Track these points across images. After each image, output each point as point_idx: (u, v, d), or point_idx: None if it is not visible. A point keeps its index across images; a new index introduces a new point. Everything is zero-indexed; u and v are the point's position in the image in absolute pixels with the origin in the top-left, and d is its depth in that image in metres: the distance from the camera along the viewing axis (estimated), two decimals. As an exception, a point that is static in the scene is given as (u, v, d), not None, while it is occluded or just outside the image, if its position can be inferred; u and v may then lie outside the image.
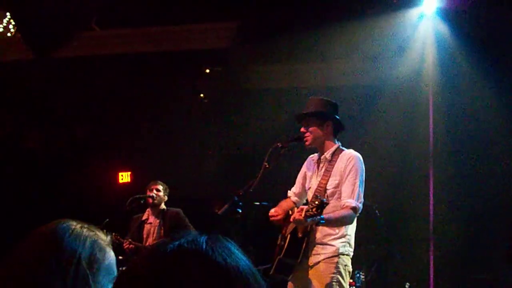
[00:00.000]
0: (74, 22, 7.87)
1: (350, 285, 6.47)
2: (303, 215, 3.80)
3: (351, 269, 4.30)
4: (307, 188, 4.49)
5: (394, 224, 7.58)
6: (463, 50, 7.53)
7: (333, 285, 4.11)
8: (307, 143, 4.36)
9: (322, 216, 3.88)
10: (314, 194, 4.04)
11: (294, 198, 4.63)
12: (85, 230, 1.69)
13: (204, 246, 1.02)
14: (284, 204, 4.57)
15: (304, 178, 4.57)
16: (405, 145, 7.97)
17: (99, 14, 8.28)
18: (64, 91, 8.82)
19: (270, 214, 4.41)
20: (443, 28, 7.65)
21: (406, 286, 7.01)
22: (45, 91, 8.87)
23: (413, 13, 7.65)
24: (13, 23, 8.43)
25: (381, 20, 7.53)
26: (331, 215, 4.06)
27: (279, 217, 4.38)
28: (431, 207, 7.72)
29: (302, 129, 4.37)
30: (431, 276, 7.52)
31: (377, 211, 6.92)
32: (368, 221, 6.96)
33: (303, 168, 4.62)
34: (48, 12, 7.51)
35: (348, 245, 4.25)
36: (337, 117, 4.41)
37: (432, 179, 7.80)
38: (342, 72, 8.58)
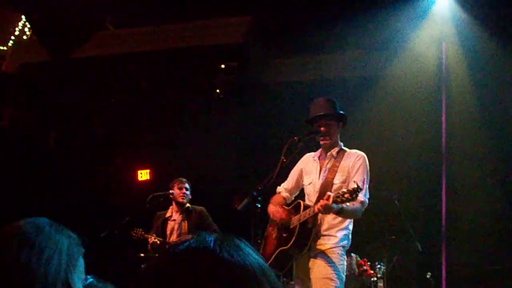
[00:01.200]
0: (89, 23, 7.92)
1: (372, 276, 6.49)
2: (331, 200, 3.91)
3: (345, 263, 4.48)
4: (306, 184, 4.63)
5: (414, 215, 7.56)
6: (480, 34, 7.44)
7: (333, 274, 4.25)
8: (326, 141, 4.50)
9: (341, 206, 4.00)
10: (354, 182, 4.06)
11: (284, 194, 4.79)
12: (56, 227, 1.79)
13: (211, 244, 1.05)
14: (276, 199, 4.72)
15: (300, 174, 4.72)
16: (418, 134, 7.94)
17: (113, 14, 8.32)
18: (82, 90, 8.90)
19: (274, 211, 4.54)
20: (458, 12, 7.56)
21: (428, 276, 6.99)
22: (63, 91, 8.96)
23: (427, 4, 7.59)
24: (28, 25, 8.52)
25: (394, 9, 7.48)
26: (348, 208, 4.13)
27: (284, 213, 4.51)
28: (443, 197, 7.67)
29: (323, 129, 4.48)
30: (443, 267, 7.49)
31: (396, 201, 6.89)
32: (388, 211, 6.95)
33: (299, 165, 4.75)
34: (63, 14, 7.57)
35: (347, 238, 4.44)
36: (346, 116, 4.61)
37: (445, 169, 7.75)
38: (358, 63, 8.54)
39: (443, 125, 7.84)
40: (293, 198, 4.75)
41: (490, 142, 7.57)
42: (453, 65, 7.83)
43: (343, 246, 4.37)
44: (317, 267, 4.29)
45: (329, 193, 4.04)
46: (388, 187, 6.99)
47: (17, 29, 8.87)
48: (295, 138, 4.33)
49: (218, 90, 8.82)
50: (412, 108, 7.95)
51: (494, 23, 7.35)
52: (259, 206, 4.08)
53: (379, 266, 6.58)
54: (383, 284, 6.57)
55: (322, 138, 4.48)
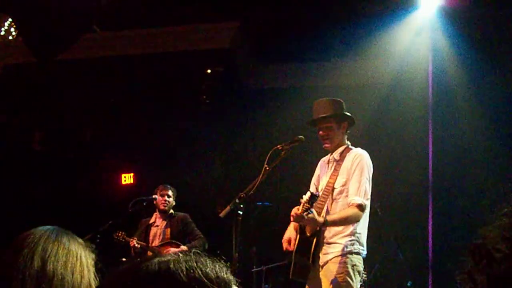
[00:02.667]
0: (76, 25, 7.89)
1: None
2: (300, 210, 3.89)
3: (361, 269, 4.27)
4: (319, 190, 4.48)
5: (396, 224, 7.60)
6: (463, 50, 7.53)
7: (341, 285, 4.09)
8: (327, 145, 4.41)
9: (326, 218, 3.99)
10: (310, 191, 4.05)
11: (308, 194, 4.63)
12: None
13: (171, 265, 1.07)
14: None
15: (318, 180, 4.61)
16: (404, 143, 7.98)
17: (99, 16, 8.29)
18: (67, 93, 8.85)
19: (285, 247, 4.39)
20: (443, 26, 7.65)
21: (408, 285, 7.03)
22: (48, 93, 8.91)
23: (413, 15, 7.66)
24: (14, 26, 8.47)
25: (382, 19, 7.55)
26: (336, 215, 4.12)
27: (292, 245, 4.34)
28: (430, 207, 7.72)
29: (321, 133, 4.41)
30: (430, 275, 7.54)
31: (378, 210, 6.92)
32: (370, 220, 6.97)
33: (317, 171, 4.66)
34: (49, 15, 7.53)
35: (357, 243, 4.24)
36: (350, 116, 4.46)
37: (431, 177, 7.81)
38: (345, 71, 8.59)
39: (430, 135, 7.90)
40: None
41: (477, 150, 7.62)
42: (440, 75, 7.90)
43: (351, 253, 4.18)
44: (326, 277, 4.15)
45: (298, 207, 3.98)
46: (371, 196, 7.02)
47: (3, 29, 8.82)
48: (278, 146, 4.32)
49: (204, 95, 8.82)
50: (399, 117, 8.00)
51: (480, 35, 7.44)
52: (241, 213, 4.09)
53: (360, 274, 6.60)
54: (364, 292, 6.59)
55: (323, 142, 4.40)
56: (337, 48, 8.13)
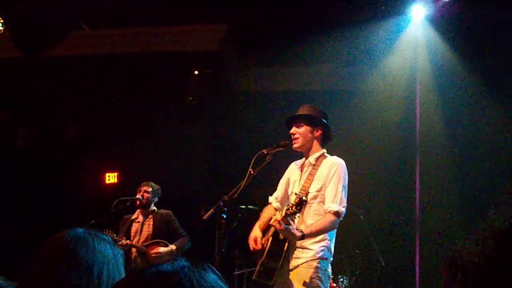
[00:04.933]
0: (63, 22, 7.84)
1: (331, 289, 6.53)
2: (283, 214, 3.90)
3: (330, 274, 4.37)
4: (289, 193, 4.54)
5: (378, 230, 7.64)
6: (451, 55, 7.61)
7: None
8: (295, 145, 4.43)
9: (303, 233, 4.00)
10: (297, 194, 4.08)
11: (275, 204, 4.70)
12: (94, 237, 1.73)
13: (180, 271, 1.08)
14: (266, 210, 4.66)
15: (287, 183, 4.63)
16: (391, 150, 8.03)
17: (88, 14, 8.25)
18: (52, 90, 8.80)
19: (252, 246, 4.41)
20: (431, 34, 7.73)
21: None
22: (33, 90, 8.84)
23: (400, 20, 7.72)
24: (1, 21, 8.39)
25: (370, 26, 7.59)
26: (312, 227, 4.13)
27: (258, 244, 4.37)
28: (417, 212, 7.78)
29: (292, 131, 4.44)
30: (417, 281, 7.58)
31: (361, 216, 6.98)
32: (353, 226, 7.01)
33: (286, 174, 4.69)
34: (37, 11, 7.48)
35: (327, 249, 4.31)
36: (327, 125, 4.48)
37: (419, 184, 7.87)
38: (331, 76, 8.63)
39: (417, 141, 7.96)
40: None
41: (463, 157, 7.68)
42: (426, 84, 7.96)
43: (321, 258, 4.25)
44: (297, 281, 4.19)
45: (274, 216, 4.00)
46: (355, 202, 7.06)
47: (-11, 24, 8.73)
48: (264, 151, 4.34)
49: (191, 97, 8.81)
50: (385, 124, 8.04)
51: (466, 45, 7.52)
52: (225, 216, 4.09)
53: (341, 279, 6.64)
54: (345, 298, 6.63)
55: (293, 141, 4.43)
56: (325, 53, 8.16)
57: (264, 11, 7.93)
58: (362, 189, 7.71)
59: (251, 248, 4.42)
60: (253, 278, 4.37)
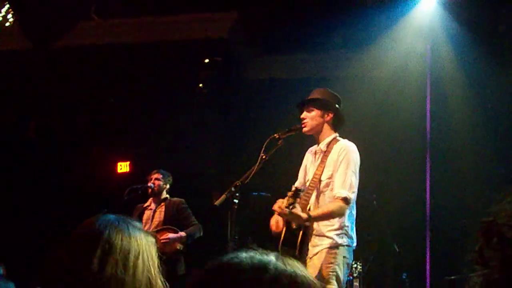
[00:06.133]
0: (73, 12, 7.83)
1: (348, 275, 6.50)
2: (284, 204, 3.89)
3: (350, 261, 4.29)
4: (306, 181, 4.46)
5: (392, 216, 7.59)
6: (463, 44, 7.50)
7: (330, 275, 4.10)
8: (305, 128, 4.36)
9: (310, 214, 3.98)
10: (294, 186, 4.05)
11: (293, 188, 4.63)
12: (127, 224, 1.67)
13: (269, 258, 1.07)
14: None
15: (305, 171, 4.56)
16: (402, 136, 7.97)
17: (98, 4, 8.24)
18: (63, 81, 8.81)
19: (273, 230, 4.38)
20: (443, 21, 7.62)
21: (403, 277, 7.04)
22: (44, 81, 8.86)
23: (413, 7, 7.62)
24: (12, 12, 8.40)
25: (382, 12, 7.51)
26: (319, 210, 4.11)
27: (279, 226, 4.34)
28: (427, 197, 7.72)
29: (303, 115, 4.38)
30: (427, 266, 7.53)
31: (375, 202, 6.93)
32: (366, 212, 6.98)
33: (304, 161, 4.61)
34: (46, 2, 7.48)
35: (345, 236, 4.23)
36: (339, 109, 4.41)
37: (429, 170, 7.80)
38: (343, 63, 8.56)
39: (428, 126, 7.88)
40: None
41: (474, 141, 7.60)
42: (438, 67, 7.87)
43: (341, 245, 4.18)
44: (314, 268, 4.11)
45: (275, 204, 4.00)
46: (367, 187, 7.02)
47: (0, 15, 8.74)
48: (275, 135, 4.31)
49: (201, 85, 8.79)
50: (397, 110, 7.98)
51: (478, 25, 7.42)
52: (237, 202, 4.07)
53: (355, 265, 6.61)
54: (359, 284, 6.60)
55: (302, 125, 4.38)
56: (335, 39, 8.09)
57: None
58: (375, 175, 7.68)
59: (272, 233, 4.35)
60: None
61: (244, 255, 1.06)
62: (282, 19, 8.15)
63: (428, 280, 7.43)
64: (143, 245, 1.60)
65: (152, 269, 1.60)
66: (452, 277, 6.27)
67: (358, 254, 6.76)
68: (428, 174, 7.80)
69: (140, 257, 1.57)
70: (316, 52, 8.75)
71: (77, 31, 8.29)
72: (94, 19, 8.65)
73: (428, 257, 7.53)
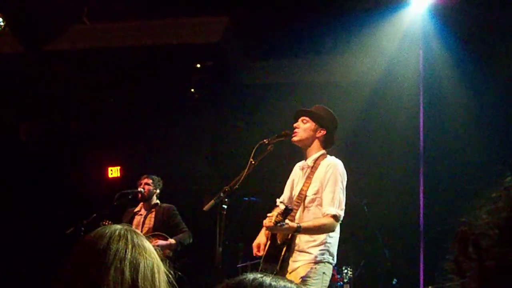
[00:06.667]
0: (64, 16, 7.81)
1: (338, 281, 6.51)
2: (272, 221, 3.85)
3: (328, 278, 4.27)
4: (293, 196, 4.46)
5: (383, 220, 7.59)
6: (454, 48, 7.53)
7: None
8: (295, 138, 4.36)
9: (299, 225, 3.96)
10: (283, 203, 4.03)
11: (282, 206, 4.64)
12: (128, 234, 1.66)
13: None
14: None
15: (292, 185, 4.57)
16: (394, 140, 7.98)
17: (89, 8, 8.21)
18: (54, 85, 8.77)
19: (254, 252, 4.40)
20: (434, 25, 7.65)
21: (394, 282, 7.04)
22: (35, 84, 8.82)
23: (404, 11, 7.64)
24: (2, 16, 8.37)
25: (373, 16, 7.53)
26: (310, 223, 4.09)
27: (260, 250, 4.35)
28: (421, 202, 7.72)
29: (296, 124, 4.39)
30: (421, 272, 7.53)
31: (365, 207, 6.94)
32: (357, 217, 6.98)
33: (291, 176, 4.62)
34: (38, 5, 7.46)
35: (327, 252, 4.23)
36: (333, 131, 4.42)
37: (422, 175, 7.81)
38: (335, 68, 8.56)
39: (421, 132, 7.89)
40: None
41: (468, 147, 7.61)
42: (430, 71, 7.89)
43: (321, 261, 4.17)
44: None
45: (272, 213, 3.99)
46: (359, 192, 7.02)
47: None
48: (265, 141, 4.29)
49: (192, 89, 8.77)
50: (389, 114, 7.99)
51: (471, 32, 7.44)
52: (225, 207, 4.06)
53: (346, 270, 6.61)
54: (350, 289, 6.60)
55: (293, 133, 4.37)
56: (326, 44, 8.10)
57: (265, 2, 7.89)
58: (366, 180, 7.68)
59: (254, 254, 4.38)
60: None
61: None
62: (274, 25, 8.14)
63: (421, 287, 7.43)
64: (152, 256, 1.62)
65: (157, 275, 1.61)
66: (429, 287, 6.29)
67: (348, 259, 6.77)
68: (421, 179, 7.81)
69: (149, 266, 1.59)
70: (308, 56, 8.75)
71: (69, 35, 8.28)
72: (86, 23, 8.62)
73: (421, 263, 7.53)
